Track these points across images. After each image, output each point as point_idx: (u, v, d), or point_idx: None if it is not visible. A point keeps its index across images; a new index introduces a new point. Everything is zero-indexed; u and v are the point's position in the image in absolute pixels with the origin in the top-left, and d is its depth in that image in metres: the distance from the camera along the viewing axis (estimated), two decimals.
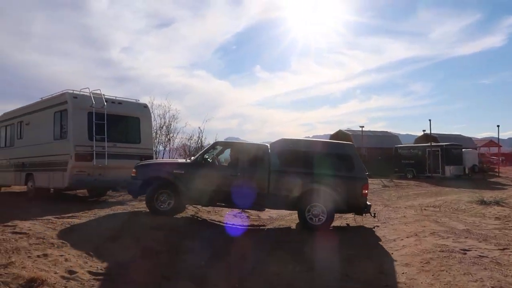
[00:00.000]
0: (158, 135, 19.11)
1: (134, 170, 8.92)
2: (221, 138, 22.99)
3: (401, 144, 34.29)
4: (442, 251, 6.10)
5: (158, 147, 18.83)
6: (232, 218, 9.51)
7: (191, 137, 20.48)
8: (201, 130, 20.45)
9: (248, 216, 9.80)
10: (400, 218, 9.57)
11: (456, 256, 5.83)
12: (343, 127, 38.10)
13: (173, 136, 20.06)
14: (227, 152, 9.36)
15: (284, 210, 9.30)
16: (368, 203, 8.53)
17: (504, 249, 6.20)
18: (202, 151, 9.50)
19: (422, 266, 5.53)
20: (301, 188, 8.27)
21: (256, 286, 5.06)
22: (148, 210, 8.56)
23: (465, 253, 5.95)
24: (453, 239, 6.92)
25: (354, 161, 8.59)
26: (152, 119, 13.79)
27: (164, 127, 19.67)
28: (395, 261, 5.97)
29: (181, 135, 20.40)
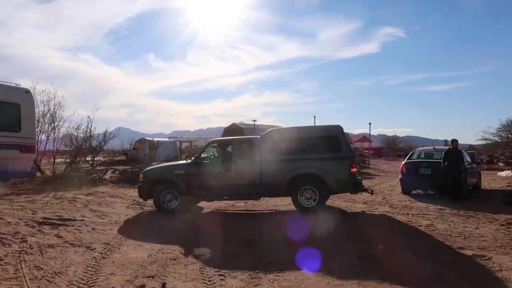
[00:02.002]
0: (41, 124, 17.43)
1: (141, 175, 9.79)
2: (111, 129, 22.06)
3: None
4: None
5: (40, 136, 17.19)
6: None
7: (78, 126, 19.11)
8: (90, 120, 19.22)
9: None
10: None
11: None
12: (237, 120, 39.31)
13: (58, 125, 18.49)
14: (228, 148, 9.66)
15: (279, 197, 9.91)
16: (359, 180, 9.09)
17: None
18: (201, 150, 9.92)
19: None
20: (291, 174, 8.83)
21: None
22: None
23: None
24: None
25: (341, 141, 8.93)
26: (35, 106, 12.65)
27: (48, 115, 18.02)
28: None
29: (68, 124, 18.89)
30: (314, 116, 34.91)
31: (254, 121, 34.50)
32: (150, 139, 31.44)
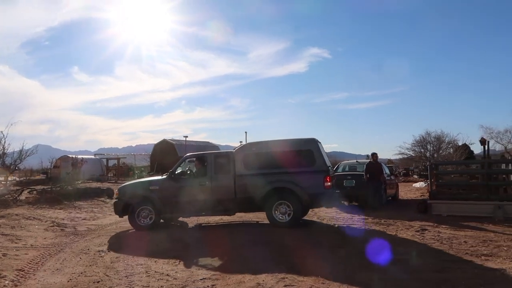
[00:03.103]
0: None
1: (116, 191, 9.55)
2: (29, 146, 20.29)
3: None
4: None
5: None
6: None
7: None
8: (3, 135, 17.53)
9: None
10: None
11: None
12: (168, 136, 38.53)
13: None
14: (203, 163, 9.37)
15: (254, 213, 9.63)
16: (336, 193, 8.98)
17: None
18: (175, 165, 9.64)
19: None
20: (266, 188, 8.64)
21: None
22: None
23: None
24: None
25: (315, 155, 8.82)
26: None
27: None
28: None
29: None
30: (246, 132, 35.74)
31: (185, 137, 34.03)
32: (73, 156, 29.50)
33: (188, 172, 9.59)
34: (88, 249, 7.16)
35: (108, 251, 7.00)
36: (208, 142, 42.65)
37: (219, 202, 8.89)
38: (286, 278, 5.04)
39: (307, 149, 8.93)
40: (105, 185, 20.99)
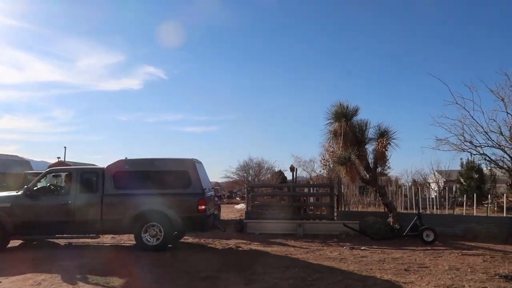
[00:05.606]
0: None
1: None
2: None
3: (33, 170, 32.31)
4: None
5: None
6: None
7: None
8: None
9: None
10: None
11: None
12: None
13: None
14: (67, 179, 8.69)
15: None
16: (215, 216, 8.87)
17: None
18: (35, 179, 8.80)
19: None
20: (135, 210, 8.16)
21: None
22: None
23: None
24: None
25: (191, 177, 8.29)
26: None
27: None
28: None
29: None
30: (65, 147, 32.35)
31: None
32: None
33: (49, 189, 8.68)
34: None
35: None
36: (16, 155, 36.82)
37: (82, 223, 8.15)
38: None
39: (183, 170, 8.61)
40: None
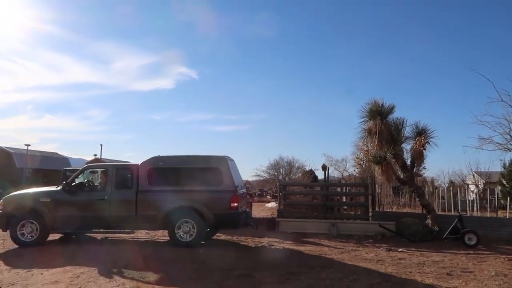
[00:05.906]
0: None
1: (1, 202, 8.59)
2: None
3: (71, 166, 33.54)
4: None
5: None
6: None
7: None
8: None
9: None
10: None
11: None
12: (8, 144, 33.40)
13: None
14: (104, 175, 8.78)
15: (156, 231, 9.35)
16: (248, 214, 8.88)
17: None
18: (73, 175, 8.96)
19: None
20: (169, 206, 8.21)
21: None
22: None
23: None
24: None
25: (223, 174, 8.38)
26: None
27: None
28: None
29: None
30: (101, 145, 33.58)
31: (28, 145, 29.98)
32: None
33: (87, 185, 8.89)
34: None
35: None
36: (56, 153, 38.28)
37: (117, 219, 8.30)
38: None
39: (215, 167, 8.63)
40: None
